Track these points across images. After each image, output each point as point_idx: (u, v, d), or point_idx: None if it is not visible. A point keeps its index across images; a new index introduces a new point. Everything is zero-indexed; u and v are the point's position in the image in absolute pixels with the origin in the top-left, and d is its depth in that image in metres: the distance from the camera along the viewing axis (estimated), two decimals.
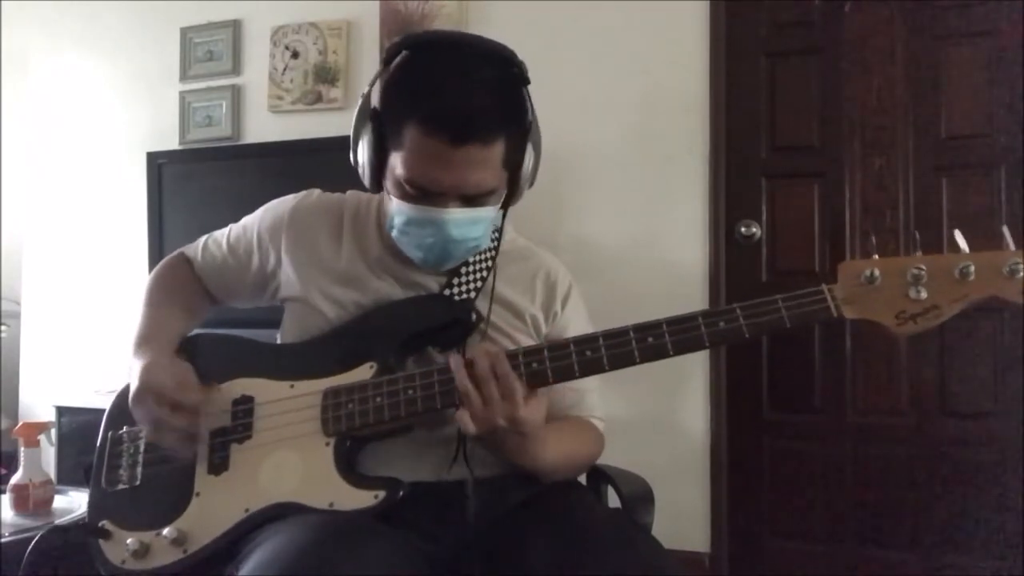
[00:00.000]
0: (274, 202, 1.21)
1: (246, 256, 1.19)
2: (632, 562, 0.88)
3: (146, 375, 1.03)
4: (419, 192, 0.99)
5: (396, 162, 0.99)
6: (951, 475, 2.06)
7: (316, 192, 1.22)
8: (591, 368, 0.98)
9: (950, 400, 2.07)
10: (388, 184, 1.03)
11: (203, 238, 1.25)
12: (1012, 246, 0.91)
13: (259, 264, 1.18)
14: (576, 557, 0.87)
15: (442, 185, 0.97)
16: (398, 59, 1.00)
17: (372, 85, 1.03)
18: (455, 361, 0.96)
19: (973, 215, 2.04)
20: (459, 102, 0.94)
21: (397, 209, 1.02)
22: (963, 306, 0.92)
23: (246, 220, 1.22)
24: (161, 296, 1.20)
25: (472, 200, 1.00)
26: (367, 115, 1.02)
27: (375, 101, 1.03)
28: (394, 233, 1.06)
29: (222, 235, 1.23)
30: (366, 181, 1.06)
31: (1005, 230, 0.91)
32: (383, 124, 1.01)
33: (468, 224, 1.02)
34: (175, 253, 1.27)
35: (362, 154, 1.03)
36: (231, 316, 1.40)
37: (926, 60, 2.11)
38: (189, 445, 1.03)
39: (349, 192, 1.22)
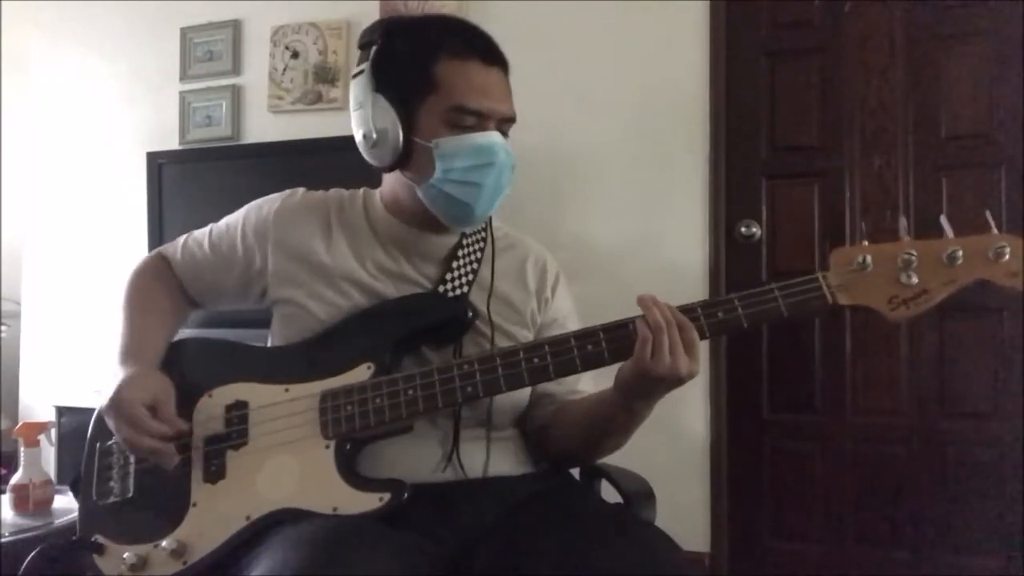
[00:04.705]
0: (258, 201, 1.18)
1: (230, 255, 1.15)
2: (641, 554, 0.87)
3: (119, 391, 1.01)
4: (470, 116, 1.03)
5: (435, 104, 1.03)
6: (951, 475, 2.06)
7: (300, 191, 1.19)
8: (593, 362, 0.98)
9: (950, 400, 2.07)
10: (425, 135, 1.03)
11: (182, 237, 1.22)
12: (995, 230, 0.92)
13: (243, 265, 1.14)
14: (582, 554, 0.86)
15: (487, 102, 1.03)
16: (384, 30, 1.06)
17: (366, 62, 1.05)
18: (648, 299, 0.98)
19: (973, 215, 2.03)
20: (477, 31, 1.08)
21: (446, 151, 1.02)
22: (952, 290, 0.93)
23: (228, 219, 1.19)
24: (140, 302, 1.16)
25: (502, 131, 1.06)
26: (370, 87, 1.04)
27: (375, 72, 1.04)
28: (438, 183, 1.03)
29: (203, 234, 1.19)
30: (384, 155, 1.05)
31: (988, 215, 0.92)
32: (404, 81, 1.03)
33: (508, 154, 1.06)
34: (152, 253, 1.23)
35: (380, 121, 1.03)
36: (227, 316, 1.38)
37: (926, 60, 2.11)
38: (164, 461, 1.00)
39: (332, 189, 1.20)
